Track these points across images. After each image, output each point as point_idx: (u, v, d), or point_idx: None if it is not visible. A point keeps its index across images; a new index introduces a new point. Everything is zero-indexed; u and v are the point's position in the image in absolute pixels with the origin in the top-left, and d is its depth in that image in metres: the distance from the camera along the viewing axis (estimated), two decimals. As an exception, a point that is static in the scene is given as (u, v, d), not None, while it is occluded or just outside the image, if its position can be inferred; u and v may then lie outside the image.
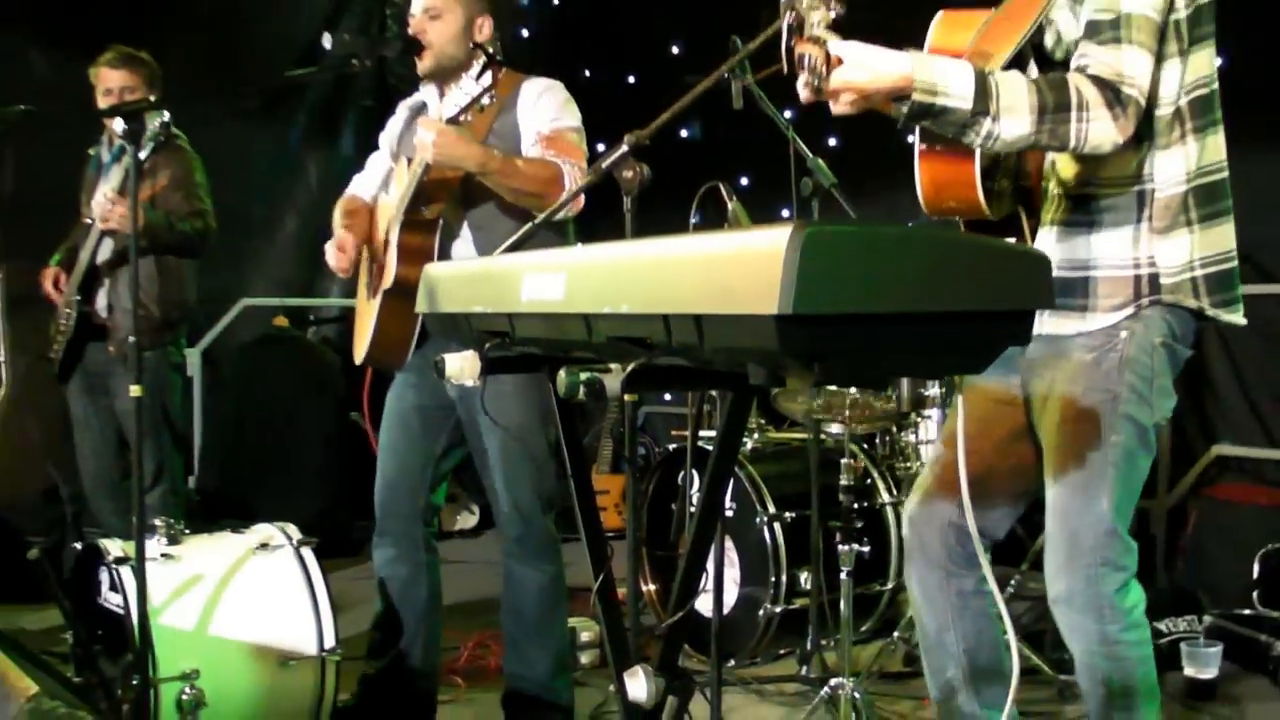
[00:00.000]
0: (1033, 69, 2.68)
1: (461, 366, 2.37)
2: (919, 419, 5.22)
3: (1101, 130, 2.44)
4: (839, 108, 2.49)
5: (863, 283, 1.56)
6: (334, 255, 4.05)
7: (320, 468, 7.31)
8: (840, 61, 2.40)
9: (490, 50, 3.76)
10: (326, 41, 3.76)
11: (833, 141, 6.89)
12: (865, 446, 5.19)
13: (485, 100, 3.67)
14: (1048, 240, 2.71)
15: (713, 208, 3.37)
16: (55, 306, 5.37)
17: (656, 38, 8.21)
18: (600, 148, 5.56)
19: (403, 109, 4.30)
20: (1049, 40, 2.65)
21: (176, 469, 5.37)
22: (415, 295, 2.80)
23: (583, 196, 3.50)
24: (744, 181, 7.14)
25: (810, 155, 4.16)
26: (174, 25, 7.06)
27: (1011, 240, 2.78)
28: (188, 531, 4.04)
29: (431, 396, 3.99)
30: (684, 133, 7.78)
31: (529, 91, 3.94)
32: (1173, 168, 2.59)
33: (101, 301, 5.27)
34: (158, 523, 4.02)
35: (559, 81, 4.00)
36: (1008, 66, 2.55)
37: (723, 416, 2.12)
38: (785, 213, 5.15)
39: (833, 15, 2.33)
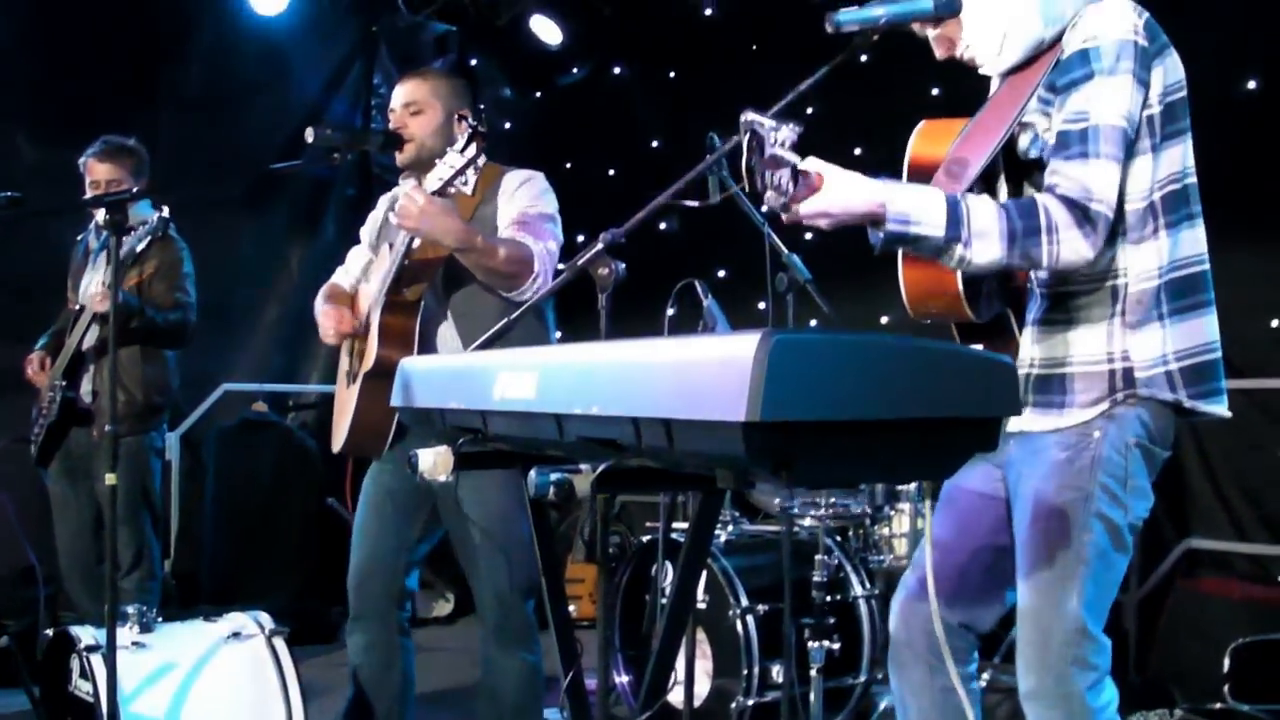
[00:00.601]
0: (1003, 183, 2.73)
1: (435, 462, 2.37)
2: (892, 512, 5.21)
3: (1071, 250, 2.47)
4: (810, 226, 2.50)
5: (830, 390, 1.57)
6: (333, 319, 4.04)
7: (298, 553, 7.25)
8: (812, 187, 2.44)
9: (475, 124, 3.72)
10: (309, 135, 3.75)
11: (809, 236, 6.93)
12: (839, 539, 5.17)
13: (471, 174, 3.70)
14: (1030, 339, 2.72)
15: (689, 301, 3.43)
16: (38, 390, 5.39)
17: (638, 132, 8.30)
18: (580, 239, 5.84)
19: (383, 202, 4.32)
20: (1024, 142, 2.67)
21: (155, 554, 5.35)
22: (392, 378, 2.73)
23: (548, 277, 3.62)
24: (721, 274, 7.16)
25: (785, 251, 4.17)
26: (161, 112, 7.15)
27: (979, 347, 2.78)
28: (160, 619, 4.01)
29: (408, 481, 3.95)
30: (663, 225, 7.78)
31: (509, 182, 3.97)
32: (1145, 262, 2.59)
33: (86, 386, 5.28)
34: (130, 610, 4.00)
35: (539, 173, 4.03)
36: (983, 173, 2.59)
37: (693, 516, 2.11)
38: (762, 306, 5.15)
39: (794, 135, 2.34)
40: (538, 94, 9.09)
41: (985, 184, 2.68)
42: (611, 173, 8.52)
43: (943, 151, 2.68)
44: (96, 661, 3.64)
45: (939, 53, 2.77)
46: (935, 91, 6.61)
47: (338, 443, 4.01)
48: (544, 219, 3.90)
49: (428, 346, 3.87)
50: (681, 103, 7.91)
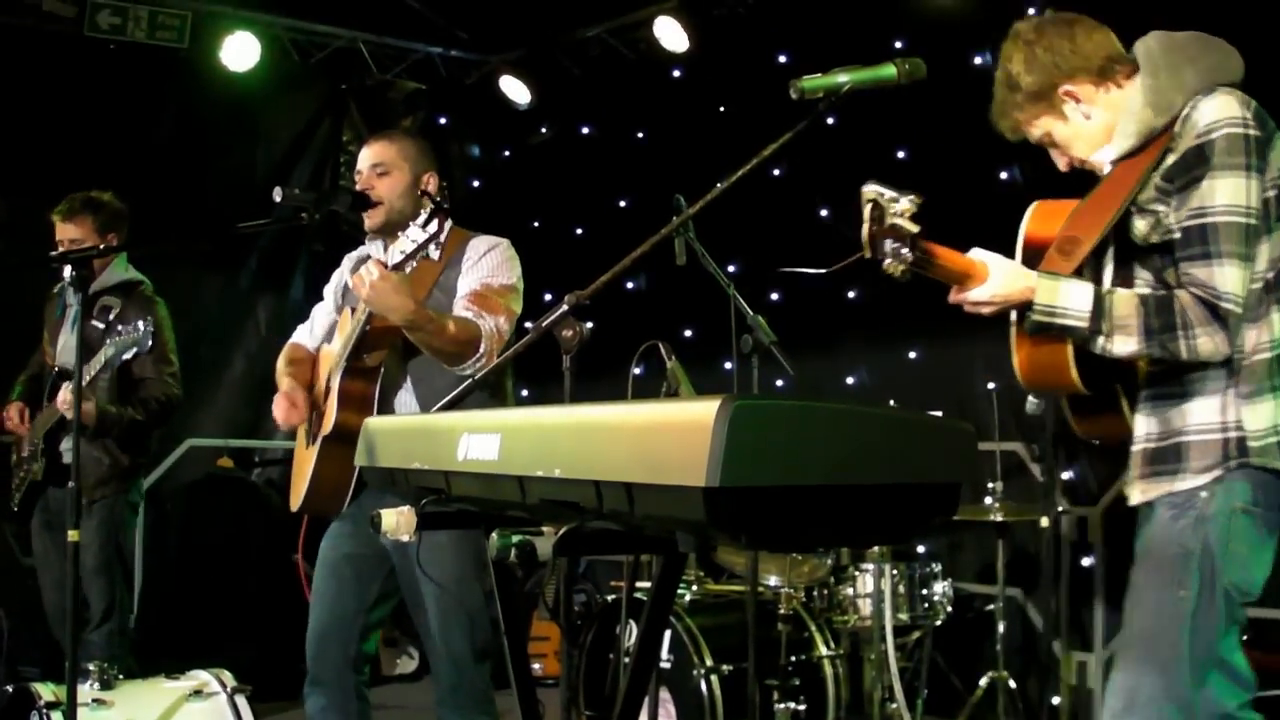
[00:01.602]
0: (1110, 260, 2.81)
1: (397, 522, 2.36)
2: (857, 572, 5.21)
3: (1206, 346, 2.61)
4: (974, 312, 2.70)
5: (790, 456, 1.58)
6: (283, 409, 4.04)
7: (261, 609, 7.19)
8: (968, 273, 2.65)
9: (438, 199, 3.75)
10: (277, 195, 3.75)
11: (775, 296, 6.96)
12: (803, 599, 5.16)
13: (432, 249, 3.68)
14: (1144, 413, 2.80)
15: (654, 362, 3.25)
16: (16, 440, 5.40)
17: (605, 191, 8.31)
18: (547, 298, 5.87)
19: (347, 261, 4.32)
20: (1142, 227, 2.75)
21: (126, 608, 5.32)
22: (355, 443, 2.75)
23: (493, 356, 3.63)
24: (687, 334, 7.17)
25: (750, 313, 4.20)
26: (128, 166, 7.07)
27: (945, 416, 2.80)
28: (121, 677, 3.99)
29: (366, 544, 3.93)
30: (630, 284, 7.81)
31: (474, 249, 3.96)
32: (1259, 336, 2.67)
33: (67, 445, 5.25)
34: (91, 667, 3.97)
35: (506, 240, 4.01)
36: (1094, 252, 2.72)
37: (655, 578, 2.11)
38: (728, 366, 5.17)
39: (913, 207, 2.46)
40: (506, 153, 9.13)
41: (1094, 261, 2.78)
42: (579, 232, 8.53)
43: (1055, 230, 2.80)
44: (57, 719, 3.60)
45: (1060, 165, 2.97)
46: (901, 155, 6.68)
47: (295, 501, 4.00)
48: (502, 291, 3.89)
49: (386, 412, 3.87)
50: (649, 163, 7.92)
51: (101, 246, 5.14)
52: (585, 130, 8.63)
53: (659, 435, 1.64)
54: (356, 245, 4.34)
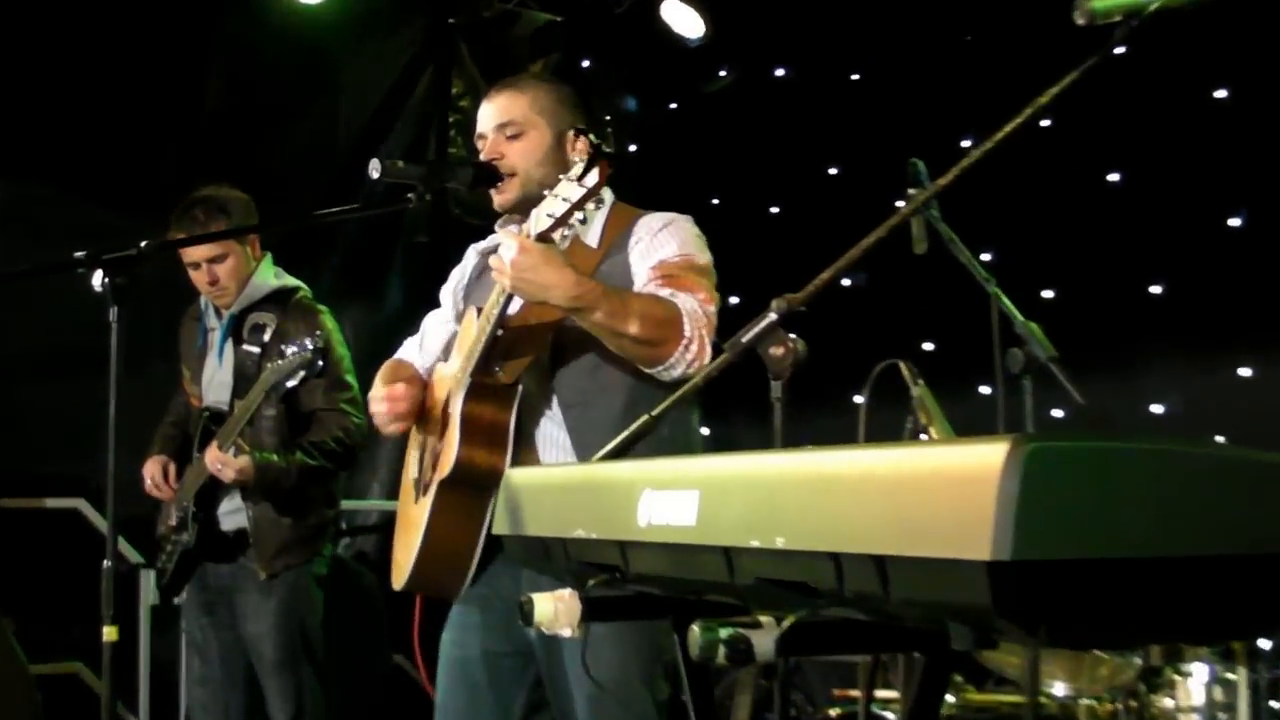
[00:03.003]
0: None
1: (555, 611, 2.39)
2: (1177, 676, 5.11)
3: None
4: None
5: (1107, 518, 1.57)
6: (383, 405, 4.14)
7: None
8: None
9: (597, 143, 3.68)
10: (373, 169, 3.81)
11: (1048, 294, 6.94)
12: (1106, 713, 5.09)
13: (592, 208, 3.65)
14: None
15: (890, 388, 3.42)
16: (162, 506, 5.65)
17: (808, 155, 8.29)
18: (734, 301, 5.71)
19: (472, 255, 4.42)
20: None
21: (318, 710, 5.52)
22: (481, 489, 2.86)
23: (705, 346, 3.68)
24: (927, 348, 7.23)
25: (1020, 317, 4.12)
26: (168, 141, 7.42)
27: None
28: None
29: (505, 639, 4.01)
30: (847, 280, 7.77)
31: (644, 228, 4.03)
32: None
33: (226, 508, 5.52)
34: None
35: (685, 216, 4.10)
36: None
37: (915, 688, 2.11)
38: (986, 392, 5.13)
39: None
40: (672, 106, 9.15)
41: None
42: (775, 211, 8.55)
43: None
44: None
45: None
46: (1220, 95, 6.58)
47: (399, 578, 4.06)
48: (694, 271, 3.95)
49: (526, 448, 3.92)
50: (868, 116, 7.90)
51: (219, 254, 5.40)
52: (779, 73, 8.63)
53: (922, 491, 1.64)
54: (476, 237, 4.44)
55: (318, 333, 5.11)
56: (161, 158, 6.14)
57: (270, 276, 5.60)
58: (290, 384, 5.11)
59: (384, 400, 4.13)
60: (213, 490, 5.47)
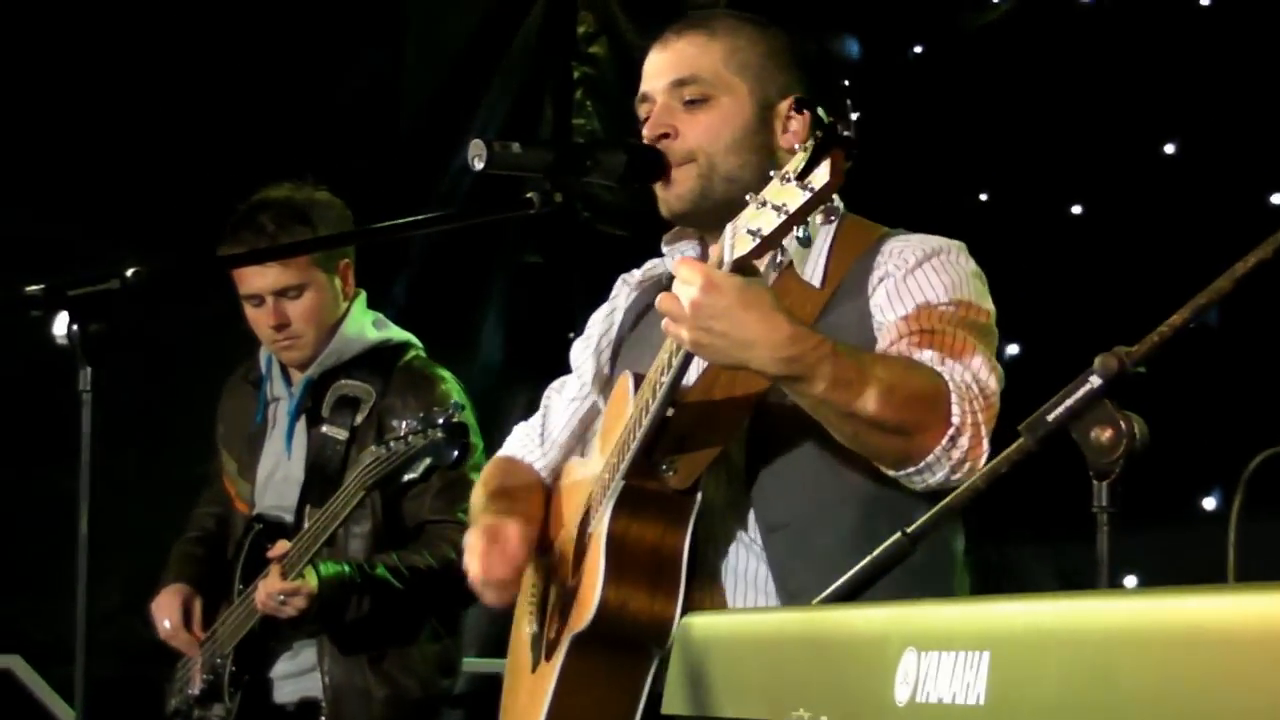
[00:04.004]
0: None
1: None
2: None
3: None
4: None
5: None
6: (478, 557, 3.98)
7: None
8: None
9: (830, 121, 3.29)
10: (478, 158, 3.59)
11: None
12: None
13: (818, 222, 3.35)
14: None
15: (1267, 484, 3.07)
16: (187, 663, 5.48)
17: (1135, 127, 7.67)
18: (1010, 353, 5.45)
19: (624, 291, 4.26)
20: None
21: None
22: (636, 648, 2.98)
23: (983, 439, 3.45)
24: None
25: None
26: (175, 106, 7.13)
27: None
28: None
29: None
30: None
31: (896, 256, 3.83)
32: None
33: (288, 667, 5.31)
34: None
35: (957, 242, 3.89)
36: None
37: None
38: None
39: None
40: (916, 50, 8.62)
41: None
42: (1077, 212, 7.87)
43: None
44: None
45: None
46: None
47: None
48: (969, 328, 3.73)
49: (707, 587, 3.75)
50: (1224, 66, 7.32)
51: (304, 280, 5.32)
52: None
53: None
54: (628, 264, 4.28)
55: (452, 410, 4.83)
56: (142, 141, 6.26)
57: (367, 326, 5.39)
58: (409, 476, 4.87)
59: (479, 554, 3.98)
60: (263, 641, 5.24)
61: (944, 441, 3.50)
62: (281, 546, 5.00)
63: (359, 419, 5.25)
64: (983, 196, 7.96)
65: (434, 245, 8.04)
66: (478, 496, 4.25)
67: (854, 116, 3.49)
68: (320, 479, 5.09)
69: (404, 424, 4.87)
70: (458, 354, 8.03)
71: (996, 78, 8.22)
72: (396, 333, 5.48)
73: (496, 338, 8.08)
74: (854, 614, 2.38)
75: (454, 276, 8.12)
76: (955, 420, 3.51)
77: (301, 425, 5.26)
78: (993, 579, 5.44)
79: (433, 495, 5.29)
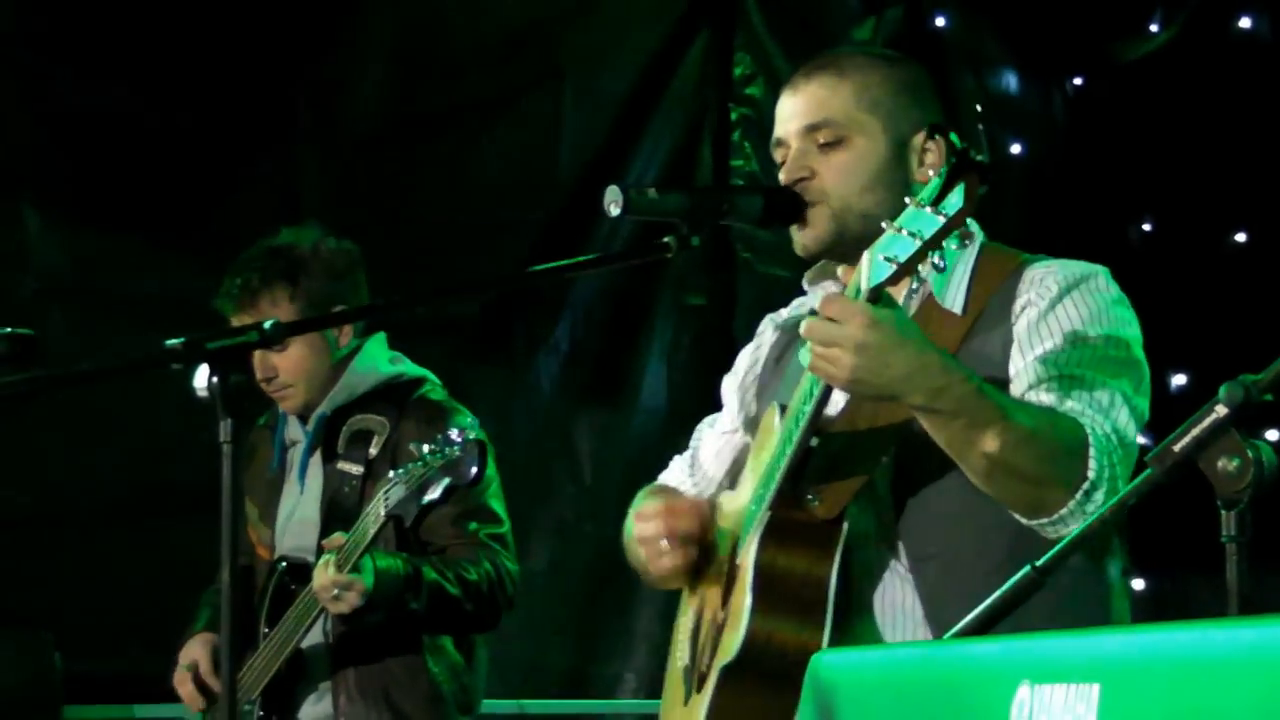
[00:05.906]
0: None
1: None
2: None
3: None
4: None
5: None
6: (651, 525, 3.93)
7: None
8: None
9: (964, 145, 3.34)
10: (614, 205, 3.59)
11: None
12: None
13: (955, 248, 3.37)
14: None
15: None
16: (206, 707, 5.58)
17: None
18: (1178, 384, 5.43)
19: (770, 330, 4.24)
20: None
21: None
22: (784, 679, 2.93)
23: (1115, 484, 3.42)
24: None
25: None
26: (300, 145, 7.19)
27: None
28: None
29: None
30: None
31: (1038, 286, 3.77)
32: None
33: (314, 712, 5.31)
34: None
35: (1100, 268, 3.83)
36: None
37: None
38: None
39: None
40: (1076, 82, 8.62)
41: None
42: (1241, 240, 7.91)
43: None
44: None
45: None
46: None
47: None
48: (1114, 367, 3.70)
49: (858, 618, 3.74)
50: None
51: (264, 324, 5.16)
52: (1245, 23, 8.07)
53: None
54: (776, 302, 4.28)
55: (467, 434, 4.76)
56: (293, 172, 6.35)
57: (380, 361, 5.36)
58: (430, 497, 4.83)
59: (656, 516, 3.94)
60: (289, 684, 5.25)
61: (1078, 495, 3.47)
62: (337, 539, 4.95)
63: (373, 451, 5.26)
64: (1146, 226, 7.98)
65: (596, 290, 8.06)
66: (633, 518, 4.16)
67: (982, 150, 3.32)
68: (336, 515, 5.10)
69: (422, 448, 4.86)
70: (619, 397, 8.23)
71: (1157, 107, 8.24)
72: (411, 368, 5.45)
73: (658, 380, 8.10)
74: (972, 649, 2.38)
75: (616, 320, 8.12)
76: (1092, 475, 3.48)
77: (317, 462, 5.27)
78: (1158, 608, 5.58)
79: (450, 519, 5.25)
